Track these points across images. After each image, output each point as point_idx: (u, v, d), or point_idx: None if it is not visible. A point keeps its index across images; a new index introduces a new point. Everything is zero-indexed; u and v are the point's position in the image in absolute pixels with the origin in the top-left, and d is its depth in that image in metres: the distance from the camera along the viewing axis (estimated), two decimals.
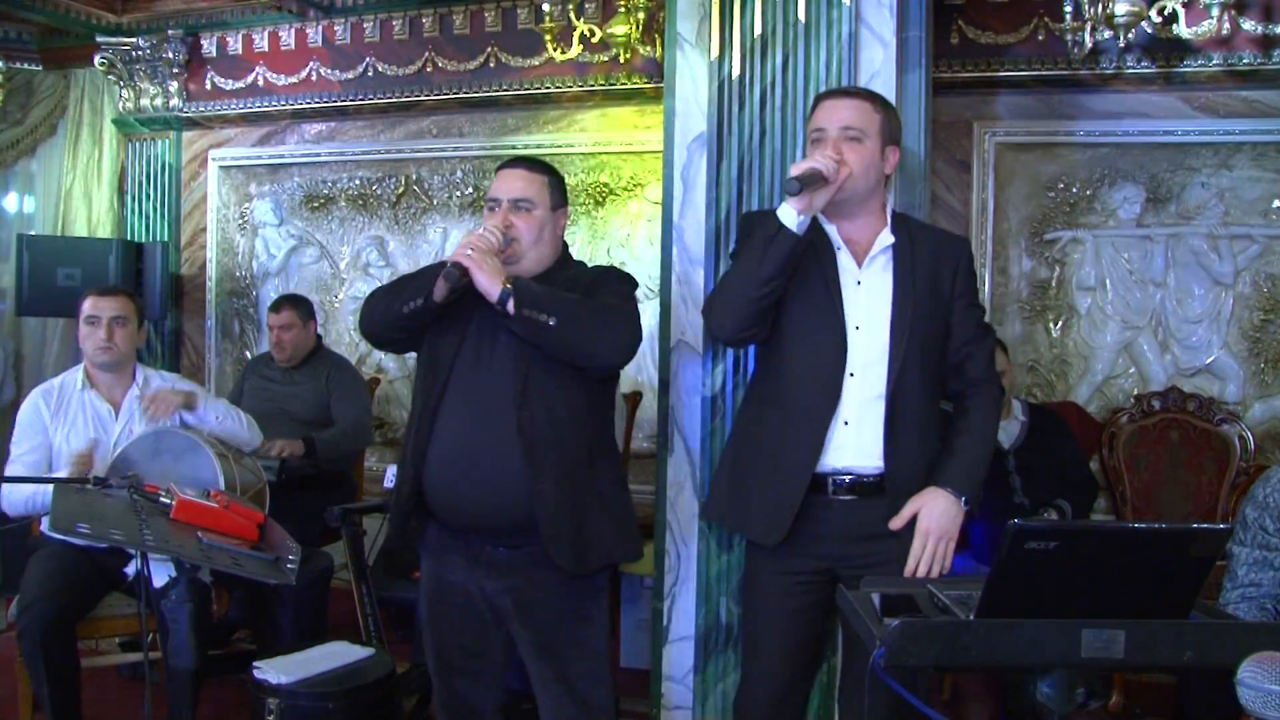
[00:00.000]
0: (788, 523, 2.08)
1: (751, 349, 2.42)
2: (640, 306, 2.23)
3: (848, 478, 2.09)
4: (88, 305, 3.06)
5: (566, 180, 2.35)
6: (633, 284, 2.31)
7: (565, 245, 2.32)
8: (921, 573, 2.02)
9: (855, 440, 2.08)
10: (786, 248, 2.00)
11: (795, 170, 1.98)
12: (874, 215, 2.15)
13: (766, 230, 2.02)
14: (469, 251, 2.07)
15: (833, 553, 2.11)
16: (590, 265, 2.39)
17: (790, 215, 1.99)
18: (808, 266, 2.09)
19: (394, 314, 2.16)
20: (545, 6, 3.96)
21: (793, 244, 2.00)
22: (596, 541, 2.14)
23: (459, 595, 2.20)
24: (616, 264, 4.48)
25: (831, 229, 2.14)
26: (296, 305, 4.15)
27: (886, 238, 2.12)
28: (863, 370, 2.08)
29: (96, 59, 5.09)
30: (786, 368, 2.13)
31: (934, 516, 2.03)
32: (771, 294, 2.04)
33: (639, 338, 2.19)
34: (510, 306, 2.03)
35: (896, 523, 2.06)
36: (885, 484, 2.08)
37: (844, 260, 2.13)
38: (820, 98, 2.19)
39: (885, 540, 2.08)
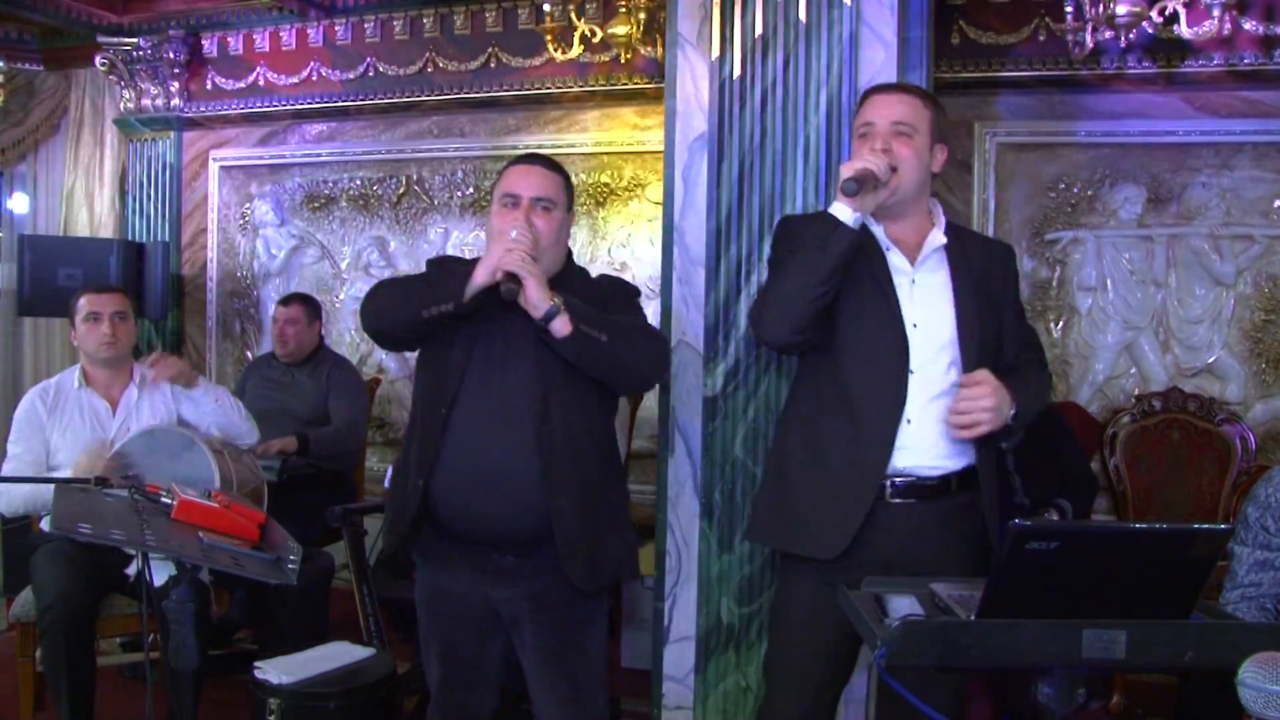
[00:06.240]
0: (854, 530, 2.02)
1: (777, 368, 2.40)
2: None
3: (904, 480, 2.03)
4: (86, 303, 3.05)
5: None
6: (638, 294, 2.28)
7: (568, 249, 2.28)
8: (959, 409, 1.99)
9: (918, 440, 2.03)
10: (845, 243, 1.97)
11: (848, 171, 1.95)
12: (921, 215, 2.12)
13: (821, 230, 1.99)
14: (521, 260, 1.97)
15: (881, 557, 2.02)
16: (585, 271, 2.31)
17: (845, 212, 1.97)
18: (858, 269, 2.05)
19: (412, 317, 2.06)
20: (546, 7, 3.96)
21: (851, 239, 1.97)
22: (608, 559, 2.13)
23: (458, 604, 2.16)
24: (617, 264, 4.53)
25: (879, 230, 2.10)
26: (306, 303, 4.20)
27: (938, 238, 2.09)
28: (922, 368, 2.04)
29: (97, 59, 5.09)
30: (845, 373, 2.08)
31: (994, 384, 1.99)
32: (828, 293, 2.00)
33: (669, 355, 2.18)
34: (562, 323, 1.96)
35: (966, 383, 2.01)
36: (949, 483, 2.04)
37: (895, 260, 2.08)
38: (869, 92, 2.15)
39: (929, 541, 2.03)
